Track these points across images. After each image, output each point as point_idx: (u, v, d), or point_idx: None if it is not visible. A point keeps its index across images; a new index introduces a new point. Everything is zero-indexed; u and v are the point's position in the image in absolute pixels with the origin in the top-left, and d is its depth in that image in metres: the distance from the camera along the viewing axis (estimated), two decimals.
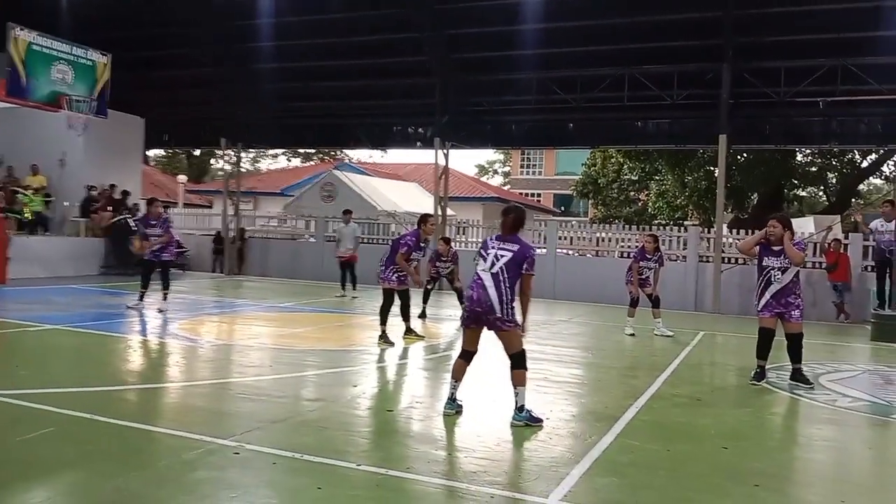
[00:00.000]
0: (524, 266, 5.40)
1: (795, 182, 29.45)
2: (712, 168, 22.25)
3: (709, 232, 18.31)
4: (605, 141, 22.10)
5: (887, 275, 12.77)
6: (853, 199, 31.77)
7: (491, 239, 5.62)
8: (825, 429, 6.04)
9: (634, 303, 11.45)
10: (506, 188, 53.31)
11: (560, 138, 21.02)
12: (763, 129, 18.07)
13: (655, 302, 11.47)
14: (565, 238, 19.46)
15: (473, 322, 5.48)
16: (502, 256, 5.42)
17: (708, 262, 17.16)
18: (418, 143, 21.62)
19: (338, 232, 17.19)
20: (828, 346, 11.45)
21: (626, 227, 20.26)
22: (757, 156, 25.37)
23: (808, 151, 26.82)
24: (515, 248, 5.45)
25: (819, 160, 28.13)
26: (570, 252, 19.15)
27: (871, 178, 32.42)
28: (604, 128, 19.72)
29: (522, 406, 5.42)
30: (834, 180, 30.06)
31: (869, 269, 15.41)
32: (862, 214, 25.15)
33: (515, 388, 5.43)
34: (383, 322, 9.35)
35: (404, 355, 8.82)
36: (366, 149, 40.23)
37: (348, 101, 20.77)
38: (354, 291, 15.99)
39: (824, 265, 15.60)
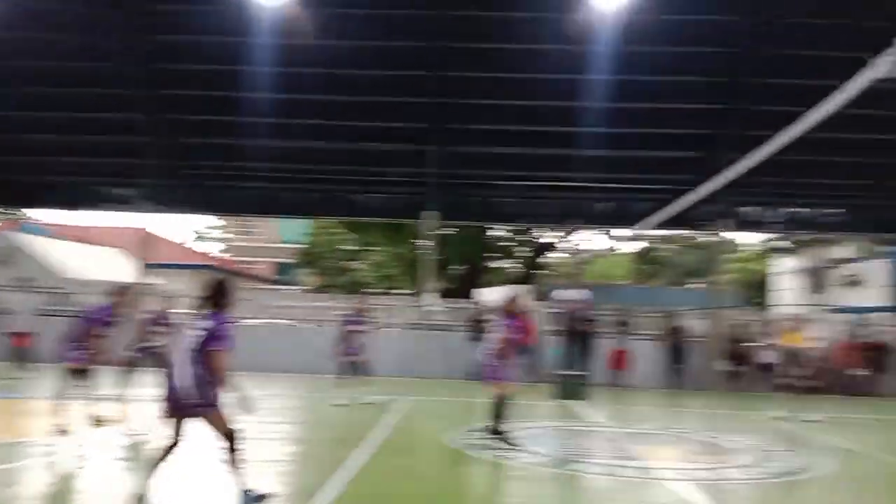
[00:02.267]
0: (212, 343, 5.05)
1: (491, 254, 32.43)
2: (425, 241, 23.76)
3: (418, 301, 19.29)
4: (323, 212, 22.46)
5: (573, 339, 14.44)
6: (539, 271, 35.69)
7: (196, 316, 5.23)
8: (513, 486, 6.46)
9: (346, 372, 11.44)
10: (226, 255, 51.20)
11: (276, 207, 20.85)
12: (467, 207, 19.75)
13: (362, 370, 11.55)
14: (280, 308, 19.07)
15: (169, 410, 5.05)
16: (197, 334, 5.08)
17: (418, 329, 17.96)
18: (120, 206, 19.89)
19: (7, 302, 14.97)
20: (515, 405, 12.45)
21: (343, 295, 20.54)
22: (461, 230, 27.55)
23: (502, 228, 29.85)
24: (210, 324, 5.13)
25: (511, 235, 31.38)
26: (287, 322, 18.77)
27: (553, 252, 36.82)
28: (322, 199, 20.00)
29: (245, 490, 5.06)
30: (525, 253, 33.63)
31: (552, 333, 17.29)
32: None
33: (233, 471, 5.05)
34: (62, 407, 8.14)
35: (91, 445, 7.74)
36: (54, 209, 35.92)
37: (35, 157, 18.59)
38: (26, 371, 13.90)
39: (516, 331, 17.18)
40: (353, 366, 11.49)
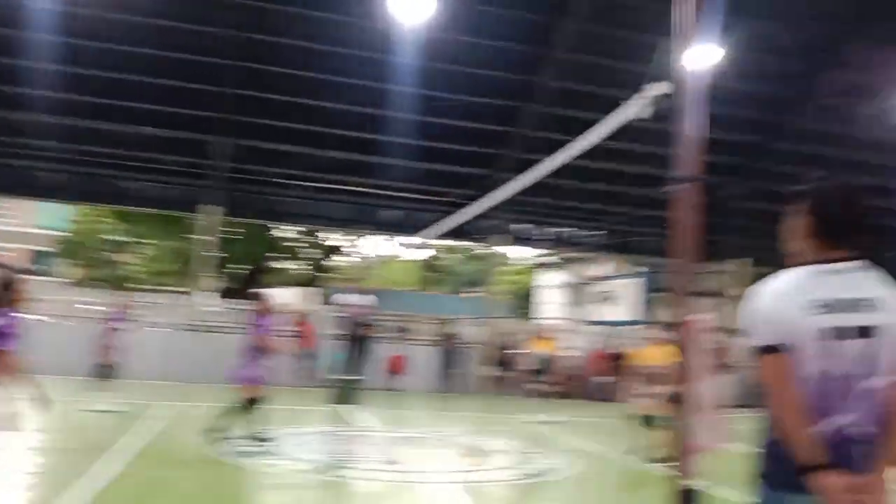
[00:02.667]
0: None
1: (277, 255, 31.66)
2: (204, 237, 22.51)
3: (190, 299, 18.23)
4: (89, 197, 20.39)
5: (353, 343, 14.39)
6: (325, 274, 35.50)
7: None
8: (274, 494, 6.28)
9: (101, 374, 10.51)
10: None
11: (31, 189, 18.62)
12: (253, 204, 19.04)
13: (116, 372, 10.70)
14: (34, 301, 17.00)
15: None
16: None
17: (192, 330, 16.96)
18: None
19: None
20: (289, 410, 12.23)
21: (108, 290, 18.84)
22: (245, 228, 26.53)
23: (290, 228, 29.23)
24: None
25: (299, 236, 30.86)
26: (42, 317, 16.78)
27: (340, 256, 36.80)
28: (88, 183, 18.20)
29: None
30: (312, 255, 33.25)
31: (333, 337, 17.20)
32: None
33: None
34: None
35: None
36: None
37: None
38: None
39: (293, 334, 16.87)
40: (108, 368, 10.59)
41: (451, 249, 44.80)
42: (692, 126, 3.28)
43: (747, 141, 18.80)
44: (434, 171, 18.49)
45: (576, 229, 21.05)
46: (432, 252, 40.35)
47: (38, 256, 46.52)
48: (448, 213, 16.29)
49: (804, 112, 17.98)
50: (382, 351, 16.98)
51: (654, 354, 9.05)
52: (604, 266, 35.02)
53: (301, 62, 16.08)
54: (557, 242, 21.87)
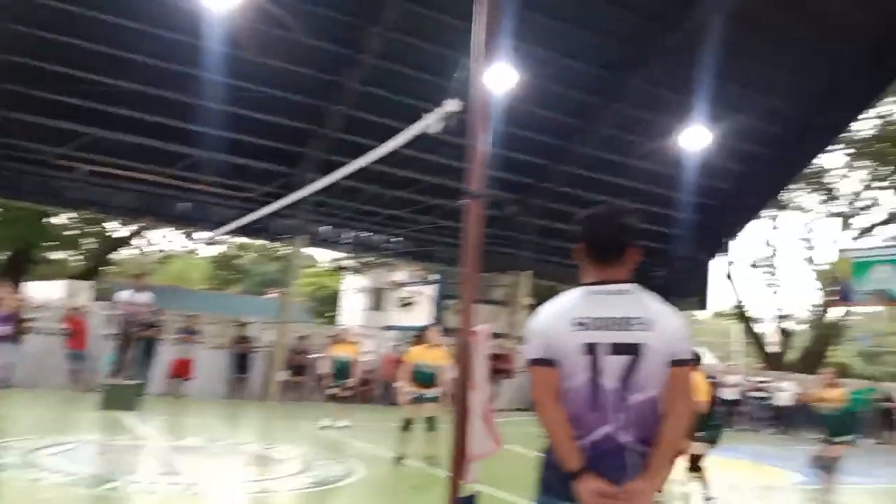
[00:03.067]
0: None
1: (51, 244, 28.59)
2: None
3: None
4: None
5: (129, 344, 13.36)
6: (106, 267, 32.71)
7: None
8: None
9: None
10: None
11: None
12: (20, 184, 17.01)
13: None
14: None
15: None
16: None
17: None
18: None
19: None
20: (56, 417, 11.11)
21: None
22: (9, 211, 23.63)
23: (65, 214, 26.49)
24: None
25: (76, 224, 28.10)
26: None
27: (125, 248, 34.11)
28: None
29: None
30: (91, 246, 30.46)
31: (109, 337, 15.85)
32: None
33: None
34: None
35: None
36: None
37: None
38: None
39: (64, 332, 15.35)
40: None
41: (248, 248, 43.26)
42: (481, 144, 3.42)
43: (535, 162, 20.09)
44: (235, 164, 17.70)
45: (375, 234, 21.23)
46: (228, 249, 38.65)
47: None
48: (247, 209, 15.68)
49: (587, 140, 19.56)
50: (166, 353, 15.99)
51: (424, 355, 9.28)
52: (403, 272, 35.74)
53: (93, 34, 14.63)
54: (357, 246, 21.93)
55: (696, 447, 7.63)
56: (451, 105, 6.03)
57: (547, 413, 2.35)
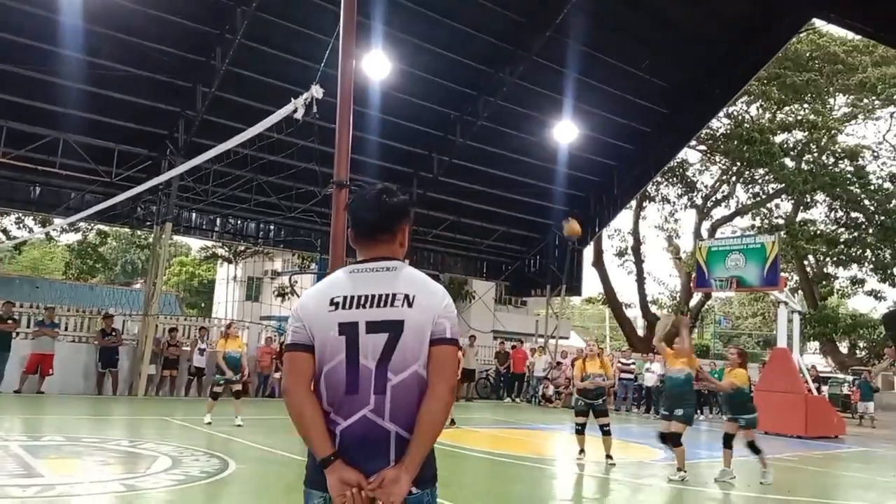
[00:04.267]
0: None
1: None
2: None
3: None
4: None
5: None
6: None
7: None
8: None
9: None
10: None
11: None
12: None
13: None
14: None
15: None
16: None
17: None
18: None
19: None
20: None
21: None
22: None
23: None
24: None
25: None
26: None
27: None
28: None
29: None
30: None
31: None
32: None
33: None
34: None
35: None
36: None
37: None
38: None
39: None
40: None
41: (111, 235, 40.85)
42: (345, 130, 3.44)
43: (416, 152, 20.23)
44: (95, 146, 16.67)
45: (250, 221, 20.66)
46: (89, 237, 36.32)
47: None
48: (108, 194, 14.82)
49: (464, 130, 19.89)
50: (22, 347, 14.91)
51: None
52: (281, 261, 35.00)
53: None
54: (228, 234, 21.27)
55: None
56: (315, 91, 5.98)
57: (295, 400, 2.22)
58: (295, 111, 5.46)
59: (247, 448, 9.74)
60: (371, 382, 2.20)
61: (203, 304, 40.52)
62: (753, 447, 9.18)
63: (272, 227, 21.19)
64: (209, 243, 32.06)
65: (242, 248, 30.59)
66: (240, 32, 15.27)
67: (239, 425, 11.39)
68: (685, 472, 8.91)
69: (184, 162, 12.50)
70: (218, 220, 20.23)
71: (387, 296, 2.25)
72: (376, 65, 16.08)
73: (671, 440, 8.97)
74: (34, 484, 6.68)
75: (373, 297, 2.25)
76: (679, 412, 8.89)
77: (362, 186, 2.54)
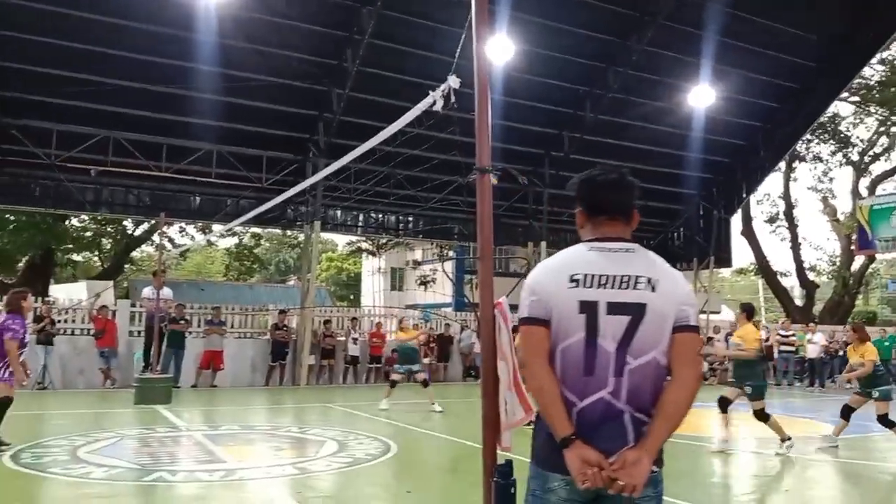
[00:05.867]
0: None
1: (69, 247, 28.98)
2: None
3: None
4: None
5: (159, 339, 13.65)
6: (127, 265, 33.15)
7: None
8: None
9: None
10: None
11: None
12: (32, 191, 17.26)
13: None
14: None
15: None
16: None
17: None
18: None
19: None
20: (93, 414, 11.38)
21: None
22: (27, 217, 23.96)
23: (82, 217, 26.83)
24: None
25: (93, 226, 28.44)
26: None
27: (144, 245, 34.48)
28: None
29: None
30: (108, 246, 30.82)
31: (137, 333, 16.14)
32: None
33: None
34: None
35: None
36: None
37: None
38: None
39: (92, 332, 15.65)
40: None
41: (264, 237, 43.53)
42: (485, 117, 3.47)
43: (544, 132, 20.02)
44: (243, 155, 17.84)
45: (389, 215, 21.32)
46: (245, 240, 38.96)
47: None
48: (259, 199, 15.82)
49: (595, 105, 19.44)
50: (195, 345, 16.25)
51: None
52: (421, 251, 35.88)
53: (86, 35, 14.70)
54: (372, 228, 22.05)
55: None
56: (452, 81, 6.08)
57: (535, 375, 2.19)
58: (434, 104, 5.52)
59: (405, 431, 10.12)
60: (610, 364, 2.16)
61: (352, 296, 42.31)
62: (886, 420, 8.88)
63: (411, 218, 21.74)
64: (354, 238, 33.41)
65: (384, 240, 31.60)
66: (368, 32, 15.74)
67: (440, 411, 11.87)
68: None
69: (326, 163, 13.09)
70: (361, 216, 21.04)
71: (629, 277, 2.20)
72: (500, 49, 16.04)
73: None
74: (218, 469, 7.29)
75: (614, 277, 2.19)
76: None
77: (596, 168, 2.51)
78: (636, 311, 2.18)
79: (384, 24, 15.85)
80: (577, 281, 2.20)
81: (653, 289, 2.20)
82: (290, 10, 15.50)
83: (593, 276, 2.21)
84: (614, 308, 2.18)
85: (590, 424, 2.15)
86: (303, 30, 15.94)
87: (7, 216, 23.75)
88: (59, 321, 15.94)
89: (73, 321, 16.82)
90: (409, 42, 16.43)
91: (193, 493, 6.46)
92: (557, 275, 2.23)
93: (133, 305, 16.96)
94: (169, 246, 31.84)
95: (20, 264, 27.34)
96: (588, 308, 2.18)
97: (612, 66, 18.63)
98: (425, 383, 12.55)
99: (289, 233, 31.88)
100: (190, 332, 16.49)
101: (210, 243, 37.72)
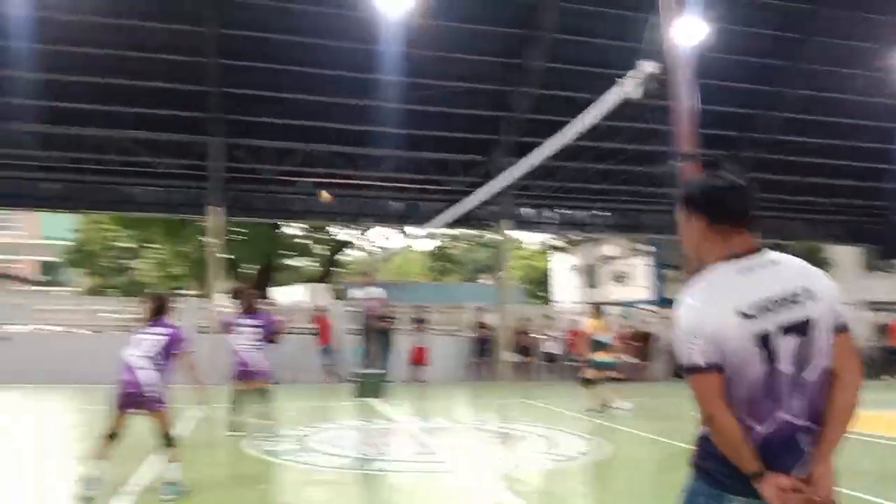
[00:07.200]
0: (179, 346, 5.86)
1: (286, 253, 31.78)
2: (212, 239, 22.73)
3: (207, 302, 18.36)
4: (92, 205, 20.38)
5: (370, 337, 14.63)
6: (337, 269, 35.68)
7: (143, 327, 5.93)
8: (316, 490, 6.42)
9: None
10: None
11: (38, 200, 18.65)
12: (254, 203, 19.16)
13: None
14: (51, 312, 17.31)
15: (125, 405, 5.69)
16: (150, 340, 5.79)
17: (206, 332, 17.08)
18: None
19: None
20: (316, 406, 12.41)
21: (122, 297, 19.00)
22: (251, 228, 26.66)
23: (295, 224, 29.34)
24: (166, 331, 5.88)
25: (307, 233, 30.98)
26: (57, 328, 17.02)
27: (350, 250, 36.92)
28: (90, 191, 18.17)
29: (174, 481, 5.69)
30: (322, 252, 33.39)
31: (351, 332, 17.34)
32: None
33: (169, 465, 5.71)
34: None
35: None
36: None
37: None
38: None
39: (312, 330, 17.05)
40: None
41: (458, 237, 44.86)
42: (685, 102, 3.35)
43: (739, 113, 18.77)
44: (434, 159, 18.55)
45: (581, 210, 21.10)
46: (440, 241, 40.46)
47: (46, 267, 46.95)
48: (451, 201, 16.39)
49: (792, 80, 17.91)
50: (403, 343, 17.14)
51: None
52: (615, 246, 35.09)
53: (288, 56, 16.10)
54: (563, 225, 21.94)
55: None
56: (648, 66, 5.85)
57: (721, 424, 2.13)
58: (628, 92, 5.41)
59: (613, 431, 9.96)
60: (788, 386, 2.14)
61: (545, 294, 42.34)
62: None
63: (601, 213, 21.35)
64: (544, 235, 33.46)
65: (574, 236, 31.31)
66: (548, 28, 15.72)
67: (626, 409, 11.48)
68: None
69: (513, 163, 13.25)
70: (550, 213, 21.03)
71: (788, 293, 2.15)
72: (691, 30, 15.27)
73: None
74: (433, 461, 7.67)
75: (776, 299, 2.14)
76: None
77: (711, 172, 2.31)
78: (805, 328, 2.14)
79: (566, 18, 15.75)
80: (743, 314, 2.11)
81: (811, 298, 2.15)
82: (470, 14, 15.88)
83: (757, 303, 2.12)
84: (786, 331, 2.13)
85: (770, 447, 2.13)
86: (483, 32, 16.27)
87: (234, 227, 26.59)
88: (285, 321, 17.55)
89: (297, 322, 18.42)
90: (593, 33, 16.20)
91: (412, 483, 6.85)
92: (719, 310, 2.13)
93: (346, 306, 18.26)
94: (373, 249, 33.85)
95: (249, 271, 30.52)
96: (763, 340, 2.12)
97: (813, 36, 17.07)
98: (589, 381, 11.66)
99: (479, 232, 32.59)
100: (397, 330, 17.42)
101: (409, 247, 39.57)
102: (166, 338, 5.82)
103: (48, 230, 46.48)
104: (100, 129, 16.63)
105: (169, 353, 5.79)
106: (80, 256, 32.07)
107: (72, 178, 17.75)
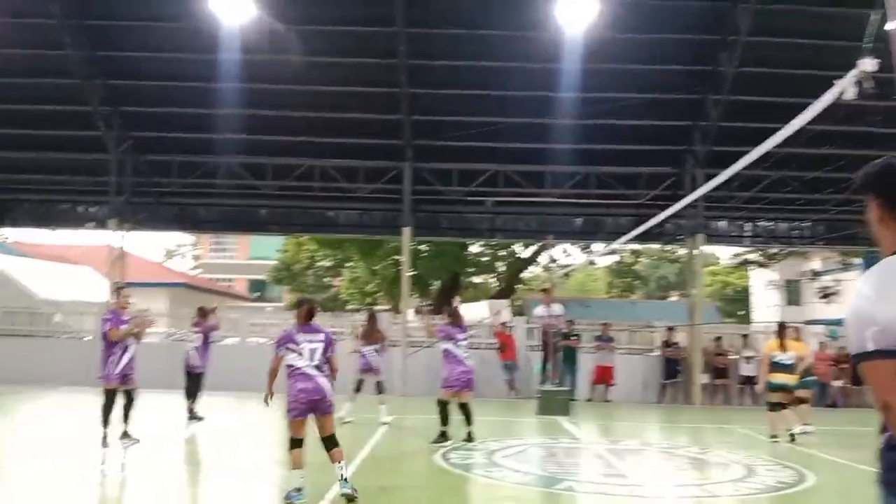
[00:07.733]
0: (330, 350, 6.08)
1: (469, 270, 32.52)
2: (398, 257, 23.85)
3: (400, 317, 19.20)
4: (298, 228, 22.44)
5: (553, 353, 14.55)
6: (518, 286, 35.87)
7: (294, 332, 6.07)
8: None
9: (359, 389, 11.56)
10: (196, 272, 50.45)
11: (251, 224, 20.73)
12: (440, 223, 19.83)
13: (380, 388, 11.71)
14: (259, 325, 19.00)
15: (307, 411, 5.93)
16: (316, 347, 6.00)
17: (395, 346, 17.84)
18: (90, 224, 19.73)
19: None
20: (501, 421, 12.51)
21: (324, 313, 20.42)
22: (436, 246, 27.62)
23: (479, 243, 29.96)
24: (321, 336, 6.11)
25: (489, 251, 31.52)
26: (265, 340, 18.65)
27: (531, 266, 37.01)
28: (296, 215, 19.93)
29: (345, 477, 5.90)
30: (503, 268, 33.79)
31: (533, 348, 17.36)
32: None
33: (339, 463, 5.92)
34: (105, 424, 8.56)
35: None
36: (26, 227, 35.33)
37: (7, 174, 18.57)
38: None
39: (495, 346, 17.23)
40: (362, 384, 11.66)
41: (640, 253, 43.42)
42: None
43: None
44: (619, 173, 18.10)
45: (783, 222, 19.58)
46: (623, 257, 39.31)
47: (254, 285, 51.69)
48: (637, 215, 15.86)
49: None
50: (587, 361, 16.85)
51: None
52: (819, 261, 32.22)
53: (473, 81, 16.48)
54: (762, 238, 20.49)
55: None
56: (867, 65, 5.33)
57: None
58: (842, 94, 4.98)
59: (819, 460, 9.14)
60: None
61: (740, 312, 39.78)
62: None
63: (806, 224, 19.69)
64: (740, 249, 31.45)
65: (775, 250, 29.13)
66: (744, 32, 14.84)
67: (806, 433, 10.64)
68: None
69: (705, 174, 12.61)
70: (747, 225, 19.75)
71: None
72: None
73: None
74: (622, 483, 7.43)
75: None
76: None
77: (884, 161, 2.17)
78: None
79: (761, 20, 14.78)
80: None
81: None
82: (653, 25, 15.36)
83: None
84: None
85: None
86: (669, 41, 15.67)
87: (423, 246, 27.69)
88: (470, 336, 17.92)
89: (480, 337, 18.73)
90: (795, 33, 15.05)
91: None
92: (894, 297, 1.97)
93: (527, 322, 18.25)
94: (554, 266, 33.65)
95: (432, 287, 31.60)
96: None
97: None
98: (798, 402, 10.59)
99: (667, 247, 31.33)
100: (581, 348, 17.15)
101: (592, 263, 38.91)
102: (324, 343, 6.03)
103: (255, 251, 51.26)
104: (304, 159, 18.05)
105: (325, 356, 6.02)
106: (285, 275, 34.90)
107: (280, 205, 19.45)
